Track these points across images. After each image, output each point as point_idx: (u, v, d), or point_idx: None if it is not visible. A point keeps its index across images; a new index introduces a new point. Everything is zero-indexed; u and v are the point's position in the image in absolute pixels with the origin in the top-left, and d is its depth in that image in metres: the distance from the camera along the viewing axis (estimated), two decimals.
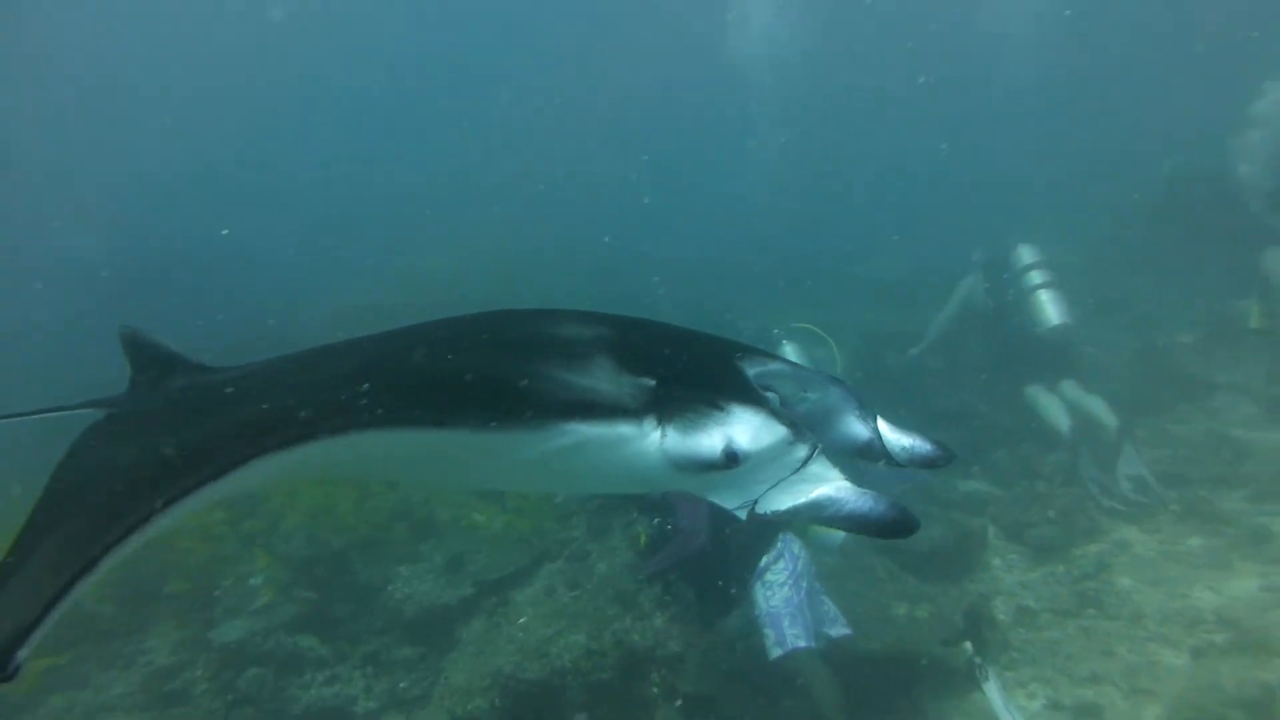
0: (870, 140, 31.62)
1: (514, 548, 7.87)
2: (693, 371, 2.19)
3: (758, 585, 5.36)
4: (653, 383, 2.05)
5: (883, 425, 2.29)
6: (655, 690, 5.75)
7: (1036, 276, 8.71)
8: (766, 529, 5.51)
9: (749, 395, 2.14)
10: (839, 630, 5.58)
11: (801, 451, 2.08)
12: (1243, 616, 6.29)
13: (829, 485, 2.12)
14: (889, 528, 2.04)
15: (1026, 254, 8.86)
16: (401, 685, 6.55)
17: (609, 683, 5.82)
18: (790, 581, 5.37)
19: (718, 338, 2.53)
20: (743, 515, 2.15)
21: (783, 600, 5.30)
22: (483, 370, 2.06)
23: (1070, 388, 8.97)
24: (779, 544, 5.48)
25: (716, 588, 5.54)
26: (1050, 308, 8.62)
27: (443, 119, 39.19)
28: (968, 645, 5.13)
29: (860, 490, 2.11)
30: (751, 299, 14.09)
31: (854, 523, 2.06)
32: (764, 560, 5.36)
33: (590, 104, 36.88)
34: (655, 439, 1.98)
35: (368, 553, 7.79)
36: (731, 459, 1.99)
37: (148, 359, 2.82)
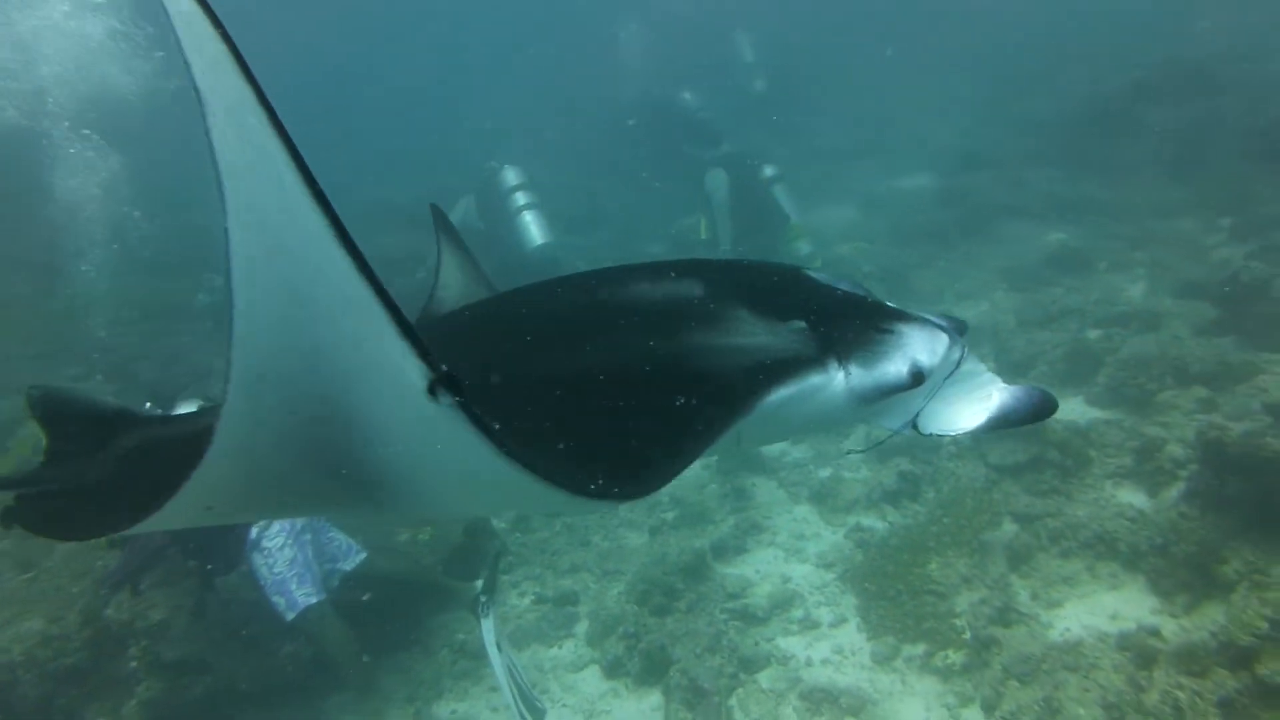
0: None
1: None
2: (820, 302, 2.28)
3: (256, 557, 5.45)
4: (803, 324, 2.14)
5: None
6: (135, 664, 5.60)
7: (521, 198, 9.73)
8: None
9: (896, 311, 2.26)
10: (354, 559, 5.95)
11: (957, 352, 2.19)
12: (689, 494, 8.05)
13: (981, 383, 2.23)
14: (1042, 410, 2.15)
15: (511, 176, 9.83)
16: None
17: (76, 667, 5.53)
18: (291, 541, 5.53)
19: (759, 263, 2.64)
20: (906, 432, 2.26)
21: (286, 563, 5.46)
22: (669, 372, 2.07)
23: None
24: None
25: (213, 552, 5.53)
26: (534, 228, 9.72)
27: None
28: (478, 584, 5.83)
29: (998, 379, 2.25)
30: None
31: (1012, 419, 2.15)
32: (254, 531, 5.45)
33: None
34: (841, 380, 2.07)
35: None
36: (918, 378, 2.11)
37: (71, 423, 2.43)
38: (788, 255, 10.90)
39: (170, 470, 1.62)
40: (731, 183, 10.63)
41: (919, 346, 2.10)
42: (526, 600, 6.97)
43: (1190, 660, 4.75)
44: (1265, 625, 4.57)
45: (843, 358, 2.06)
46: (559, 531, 7.81)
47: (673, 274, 2.39)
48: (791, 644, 6.11)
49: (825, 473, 8.07)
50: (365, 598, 5.84)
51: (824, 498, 7.67)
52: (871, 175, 15.93)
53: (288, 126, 1.22)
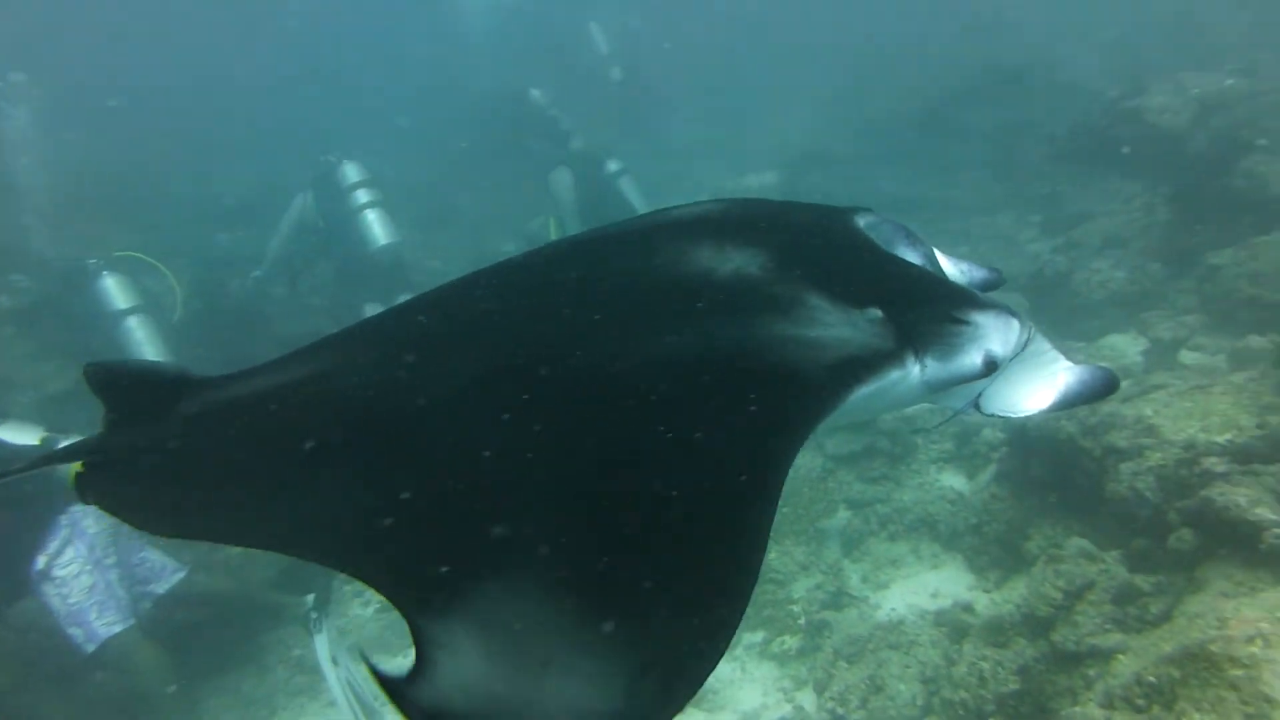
0: None
1: None
2: (894, 280, 2.16)
3: (47, 587, 5.08)
4: (879, 312, 1.99)
5: (940, 257, 2.43)
6: None
7: (362, 195, 9.42)
8: (26, 530, 5.21)
9: (969, 296, 2.15)
10: (169, 580, 5.63)
11: (1024, 334, 2.11)
12: None
13: (1046, 361, 2.18)
14: (1107, 388, 2.13)
15: (352, 172, 9.49)
16: None
17: None
18: (90, 567, 5.18)
19: (810, 216, 2.44)
20: (969, 413, 2.17)
21: (84, 591, 5.10)
22: (744, 368, 1.82)
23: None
24: (62, 531, 5.25)
25: None
26: (377, 227, 9.42)
27: None
28: (309, 598, 5.62)
29: (1062, 357, 2.18)
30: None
31: (1076, 399, 2.13)
32: (42, 560, 5.07)
33: None
34: (916, 373, 1.96)
35: None
36: (991, 367, 2.03)
37: (126, 392, 2.26)
38: None
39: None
40: (576, 181, 10.65)
41: (993, 337, 2.04)
42: (370, 610, 6.80)
43: (996, 632, 5.11)
44: (1060, 596, 4.95)
45: (919, 351, 1.98)
46: None
47: (725, 238, 2.22)
48: None
49: None
50: (185, 618, 5.55)
51: None
52: (721, 172, 16.30)
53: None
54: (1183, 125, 9.44)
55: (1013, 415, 2.16)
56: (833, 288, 2.03)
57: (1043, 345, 2.17)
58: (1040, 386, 2.15)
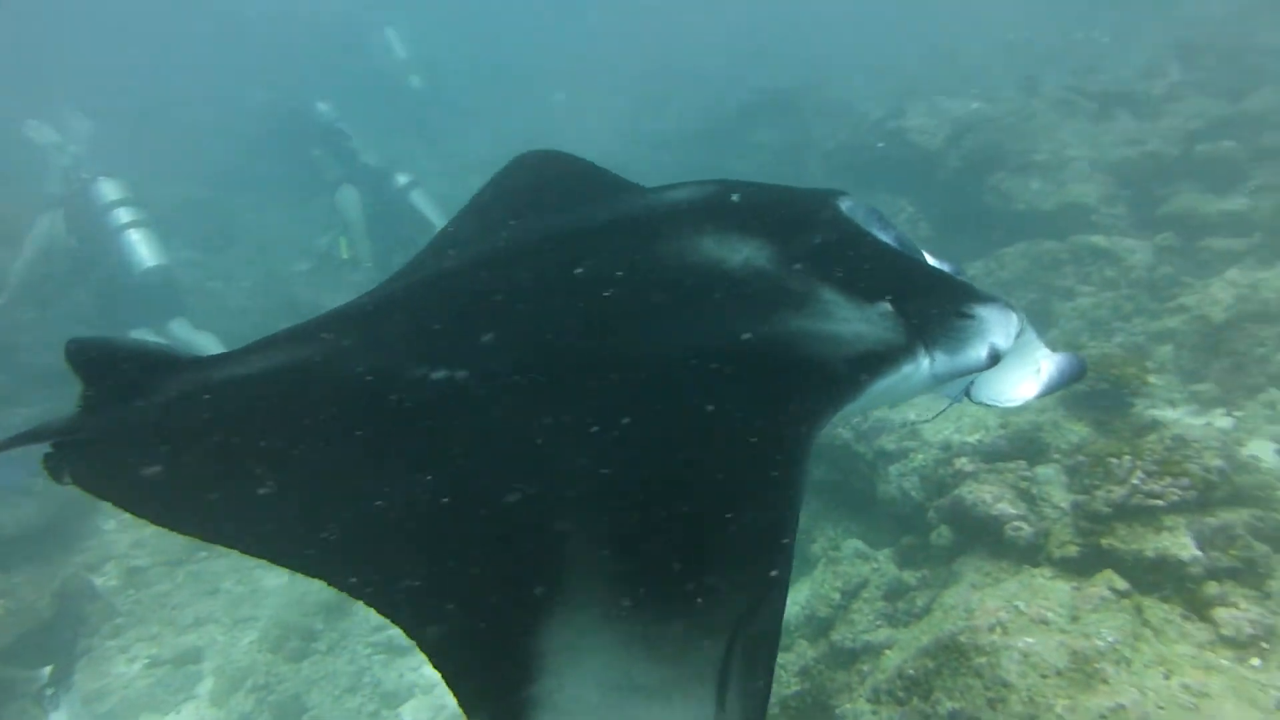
0: None
1: None
2: (899, 273, 2.21)
3: None
4: (889, 306, 2.05)
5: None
6: None
7: (123, 214, 8.65)
8: None
9: (971, 290, 2.20)
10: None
11: (1020, 325, 2.17)
12: None
13: (1030, 350, 2.30)
14: (1080, 373, 2.35)
15: (109, 190, 8.70)
16: None
17: None
18: None
19: (810, 198, 2.49)
20: (960, 401, 2.30)
21: None
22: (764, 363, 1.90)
23: (180, 326, 9.30)
24: None
25: None
26: (142, 248, 8.68)
27: None
28: (46, 671, 5.06)
29: (1044, 346, 2.32)
30: None
31: (1056, 385, 2.32)
32: None
33: None
34: (925, 366, 2.01)
35: None
36: (994, 360, 2.09)
37: (109, 371, 2.15)
38: None
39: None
40: (364, 199, 10.29)
41: (996, 330, 2.12)
42: (137, 666, 6.24)
43: (784, 635, 5.32)
44: (838, 596, 5.23)
45: (929, 344, 2.04)
46: (182, 583, 7.09)
47: (727, 226, 2.27)
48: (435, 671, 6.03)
49: None
50: None
51: None
52: None
53: None
54: (938, 145, 10.26)
55: (1000, 405, 2.34)
56: (842, 281, 2.11)
57: (1029, 335, 2.28)
58: (1025, 376, 2.33)
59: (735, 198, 2.48)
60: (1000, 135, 9.83)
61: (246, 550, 1.69)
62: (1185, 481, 4.14)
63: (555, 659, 1.34)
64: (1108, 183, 8.87)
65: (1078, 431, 5.27)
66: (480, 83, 21.48)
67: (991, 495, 4.77)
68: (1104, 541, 4.12)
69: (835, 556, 5.48)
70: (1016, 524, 4.57)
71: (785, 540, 1.50)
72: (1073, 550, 4.25)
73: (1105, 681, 3.40)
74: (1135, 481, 4.13)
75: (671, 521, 1.55)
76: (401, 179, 10.57)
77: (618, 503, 1.58)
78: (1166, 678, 3.41)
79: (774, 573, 1.44)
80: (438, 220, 10.53)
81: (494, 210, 2.96)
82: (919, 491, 5.42)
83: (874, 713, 3.95)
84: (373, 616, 6.45)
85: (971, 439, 5.45)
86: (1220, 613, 3.71)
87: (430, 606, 1.47)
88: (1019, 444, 5.31)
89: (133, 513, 1.87)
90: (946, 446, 5.48)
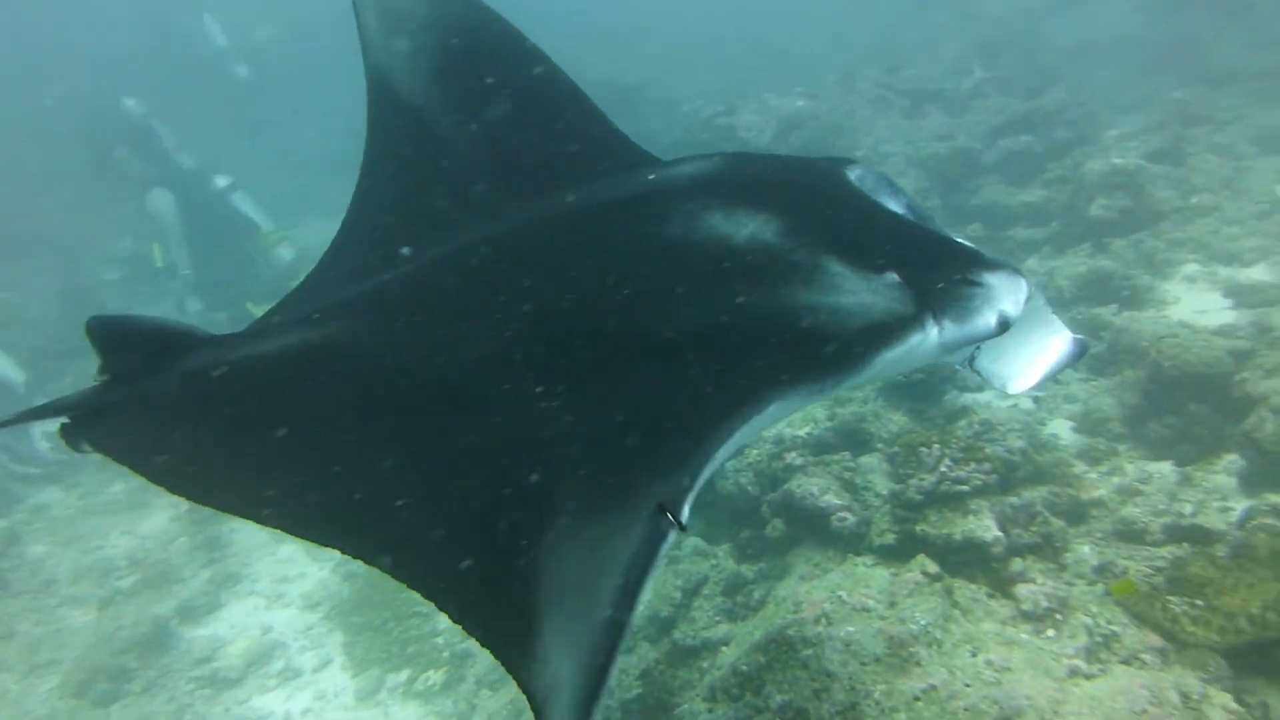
0: None
1: None
2: (905, 242, 2.20)
3: None
4: (896, 276, 2.06)
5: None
6: None
7: None
8: None
9: (979, 257, 2.18)
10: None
11: (1029, 291, 2.14)
12: (151, 552, 7.19)
13: (1042, 323, 2.28)
14: (1081, 353, 2.31)
15: None
16: None
17: None
18: None
19: (817, 168, 2.50)
20: (964, 369, 2.27)
21: None
22: (776, 335, 1.96)
23: None
24: None
25: None
26: None
27: None
28: None
29: (1057, 320, 2.31)
30: None
31: (1061, 367, 2.30)
32: None
33: None
34: (935, 335, 2.01)
35: None
36: (1004, 327, 2.07)
37: (128, 346, 2.30)
38: (268, 264, 10.24)
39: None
40: (179, 201, 9.68)
41: (1005, 297, 2.09)
42: None
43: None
44: (679, 594, 5.29)
45: (938, 314, 2.03)
46: None
47: (734, 201, 2.28)
48: (269, 701, 5.75)
49: None
50: None
51: None
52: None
53: None
54: (766, 142, 10.58)
55: (1003, 388, 2.32)
56: (849, 252, 2.12)
57: (1038, 300, 2.28)
58: (1031, 357, 2.32)
59: (742, 171, 2.51)
60: (824, 132, 10.22)
61: (255, 519, 1.82)
62: (987, 466, 4.41)
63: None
64: (921, 176, 9.37)
65: (896, 421, 5.54)
66: (314, 71, 20.57)
67: (818, 487, 4.95)
68: (918, 528, 4.34)
69: (676, 555, 5.54)
70: (842, 514, 4.76)
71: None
72: (891, 538, 4.47)
73: (918, 664, 3.59)
74: (943, 469, 4.38)
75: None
76: (220, 180, 10.00)
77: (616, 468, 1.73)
78: (973, 655, 3.63)
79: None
80: (264, 223, 10.03)
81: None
82: (754, 486, 5.55)
83: (709, 710, 4.02)
84: (195, 649, 6.12)
85: (801, 432, 5.63)
86: (1020, 589, 3.99)
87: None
88: (844, 435, 5.53)
89: (150, 479, 1.99)
90: (779, 440, 5.64)
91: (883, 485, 4.93)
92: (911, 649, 3.66)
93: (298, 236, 10.79)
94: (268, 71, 17.57)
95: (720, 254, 2.16)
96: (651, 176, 2.56)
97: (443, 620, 6.16)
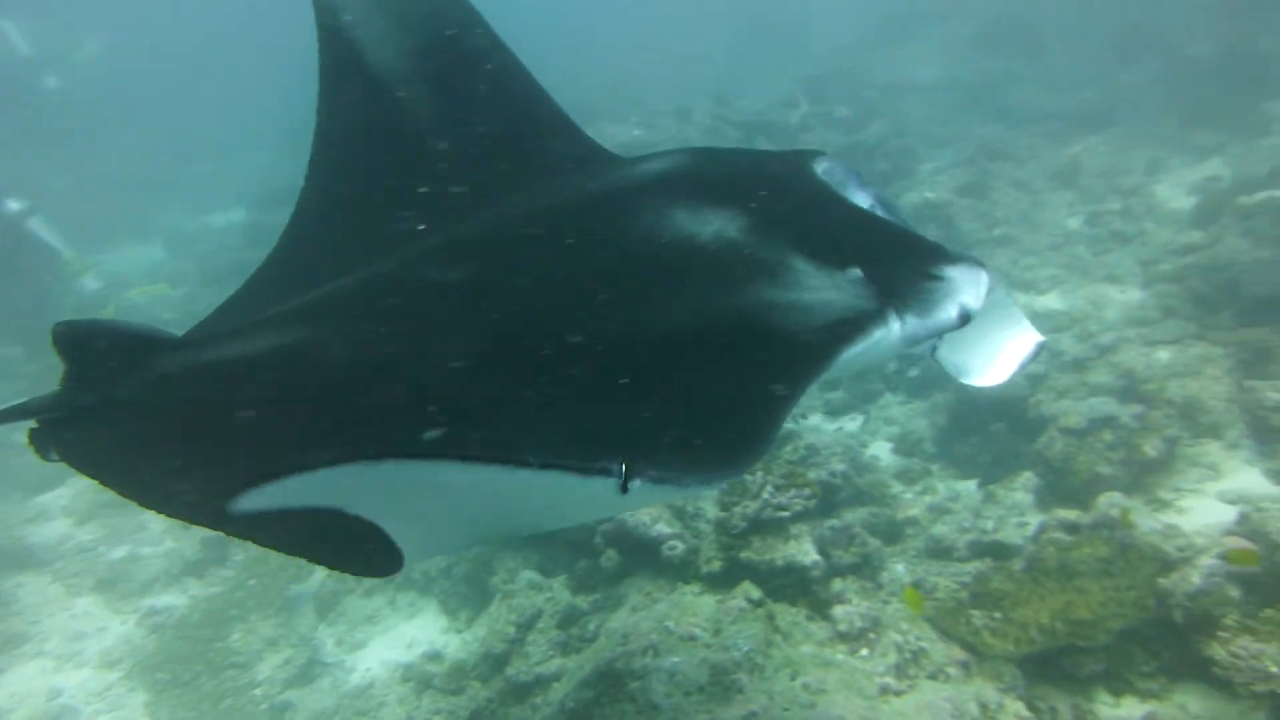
0: None
1: None
2: (867, 236, 2.25)
3: None
4: (859, 271, 2.10)
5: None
6: None
7: None
8: None
9: (940, 251, 2.21)
10: None
11: (991, 283, 2.16)
12: None
13: (1003, 316, 2.30)
14: (1038, 351, 2.34)
15: None
16: None
17: None
18: None
19: (785, 162, 2.54)
20: (927, 358, 2.27)
21: None
22: (741, 335, 1.98)
23: None
24: None
25: None
26: None
27: None
28: None
29: (1021, 315, 2.33)
30: None
31: (1026, 364, 2.31)
32: None
33: None
34: (897, 329, 2.04)
35: None
36: (966, 320, 2.09)
37: (95, 351, 2.23)
38: (70, 293, 9.48)
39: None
40: None
41: (966, 290, 2.11)
42: None
43: (457, 677, 5.21)
44: (513, 629, 5.20)
45: (900, 308, 2.05)
46: None
47: (700, 197, 2.29)
48: None
49: (119, 552, 7.17)
50: None
51: (113, 583, 6.79)
52: (180, 211, 14.84)
53: None
54: None
55: (963, 379, 2.34)
56: (813, 248, 2.14)
57: (1000, 292, 2.28)
58: (993, 352, 2.32)
59: (708, 168, 2.52)
60: None
61: (226, 531, 1.74)
62: (808, 491, 4.56)
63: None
64: None
65: None
66: (135, 81, 19.35)
67: (650, 516, 4.98)
68: (742, 554, 4.44)
69: (510, 590, 5.45)
70: (672, 543, 4.81)
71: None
72: (718, 565, 4.54)
73: (740, 691, 3.66)
74: (765, 495, 4.49)
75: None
76: (14, 205, 9.19)
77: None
78: (792, 679, 3.73)
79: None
80: (64, 247, 9.31)
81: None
82: None
83: None
84: None
85: None
86: (837, 610, 4.14)
87: None
88: None
89: (119, 492, 1.90)
90: None
91: (712, 512, 5.02)
92: (734, 676, 3.72)
93: (106, 264, 10.09)
94: (88, 85, 16.43)
95: (686, 253, 2.18)
96: (619, 174, 2.59)
97: (263, 669, 5.88)
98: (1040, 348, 2.36)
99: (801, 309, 2.03)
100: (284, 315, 2.33)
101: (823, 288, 2.09)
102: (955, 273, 2.16)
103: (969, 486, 5.49)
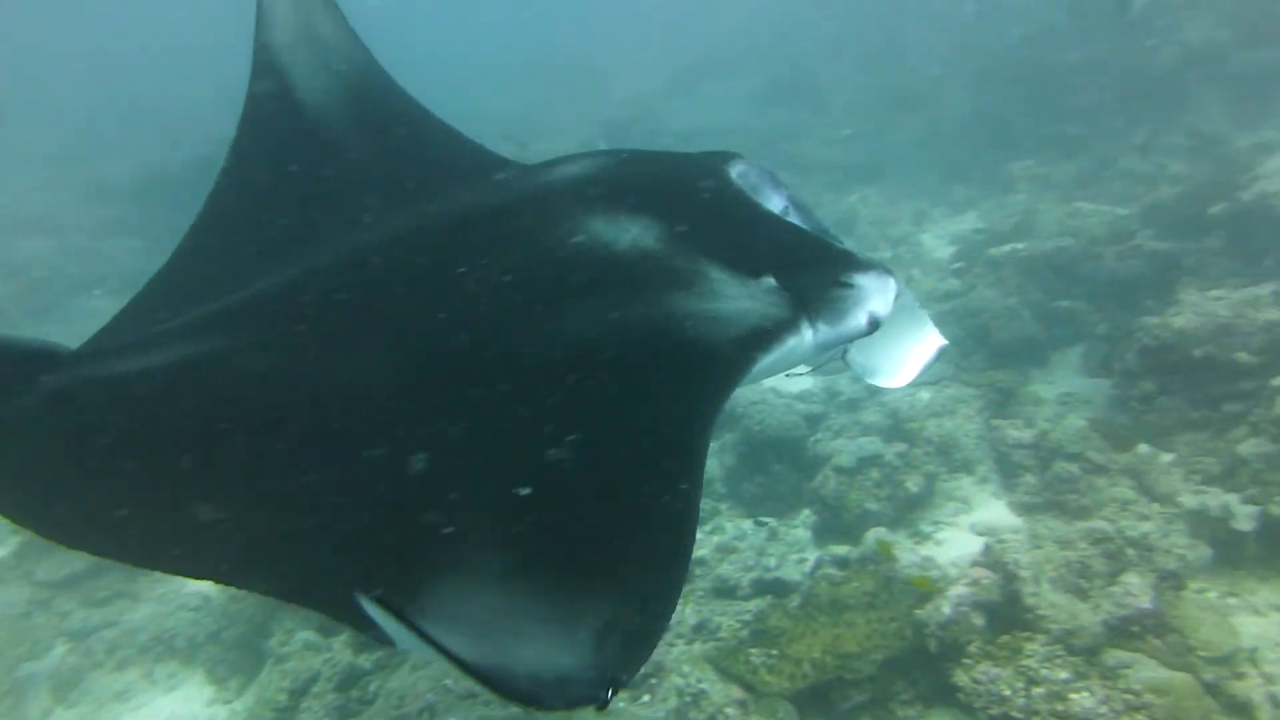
0: None
1: None
2: (781, 244, 2.28)
3: None
4: (773, 280, 2.12)
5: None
6: None
7: None
8: None
9: (850, 257, 2.26)
10: None
11: (898, 289, 2.24)
12: None
13: (911, 321, 2.44)
14: (943, 351, 2.47)
15: None
16: None
17: None
18: None
19: (700, 165, 2.54)
20: (839, 361, 2.34)
21: None
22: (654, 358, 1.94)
23: None
24: None
25: None
26: None
27: None
28: None
29: (927, 318, 2.47)
30: None
31: (929, 367, 2.43)
32: None
33: None
34: (810, 337, 2.10)
35: None
36: (875, 326, 2.17)
37: None
38: None
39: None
40: None
41: (875, 298, 2.16)
42: None
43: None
44: (285, 696, 4.85)
45: (812, 317, 2.09)
46: None
47: (616, 204, 2.27)
48: None
49: None
50: None
51: None
52: None
53: None
54: None
55: (875, 383, 2.43)
56: (728, 256, 2.15)
57: (908, 298, 2.35)
58: (901, 355, 2.41)
59: (624, 172, 2.50)
60: None
61: (127, 561, 1.71)
62: None
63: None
64: None
65: None
66: None
67: None
68: None
69: (284, 653, 5.10)
70: None
71: (687, 524, 1.60)
72: None
73: None
74: None
75: (569, 515, 1.61)
76: None
77: (517, 501, 1.61)
78: None
79: (674, 555, 1.55)
80: None
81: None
82: None
83: None
84: None
85: None
86: None
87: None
88: None
89: (12, 519, 1.81)
90: None
91: None
92: None
93: None
94: None
95: (602, 267, 2.15)
96: (531, 181, 2.55)
97: None
98: (944, 350, 2.48)
99: (719, 319, 2.05)
100: (183, 326, 2.25)
101: (739, 297, 2.11)
102: (865, 280, 2.23)
103: (754, 526, 5.67)
